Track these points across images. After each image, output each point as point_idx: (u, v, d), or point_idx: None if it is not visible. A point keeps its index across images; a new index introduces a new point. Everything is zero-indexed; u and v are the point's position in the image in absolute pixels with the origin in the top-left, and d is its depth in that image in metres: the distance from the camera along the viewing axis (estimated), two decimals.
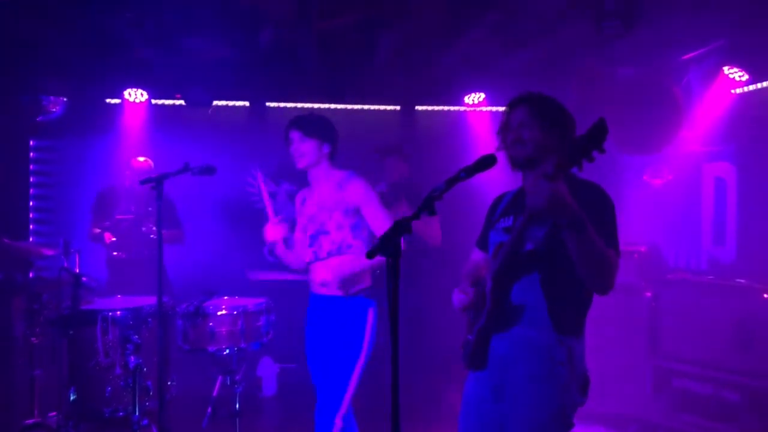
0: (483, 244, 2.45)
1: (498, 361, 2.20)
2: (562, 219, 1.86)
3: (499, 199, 2.47)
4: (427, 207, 1.91)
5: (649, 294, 4.34)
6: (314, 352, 3.07)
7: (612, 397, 4.25)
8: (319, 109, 6.16)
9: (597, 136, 1.76)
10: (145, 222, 4.75)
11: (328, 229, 2.99)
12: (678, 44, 4.79)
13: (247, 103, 6.12)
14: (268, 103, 6.16)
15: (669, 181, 5.22)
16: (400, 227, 1.77)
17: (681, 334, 4.11)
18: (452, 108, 6.37)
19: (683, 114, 4.79)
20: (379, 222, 2.99)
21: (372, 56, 5.29)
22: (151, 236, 4.67)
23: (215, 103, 5.86)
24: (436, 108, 6.43)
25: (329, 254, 2.98)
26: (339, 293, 2.93)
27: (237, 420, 3.21)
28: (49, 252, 3.62)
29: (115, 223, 4.70)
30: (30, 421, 3.16)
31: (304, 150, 3.05)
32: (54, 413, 3.15)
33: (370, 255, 1.72)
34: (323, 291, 3.02)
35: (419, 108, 6.41)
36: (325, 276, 2.98)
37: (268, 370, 5.33)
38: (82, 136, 5.60)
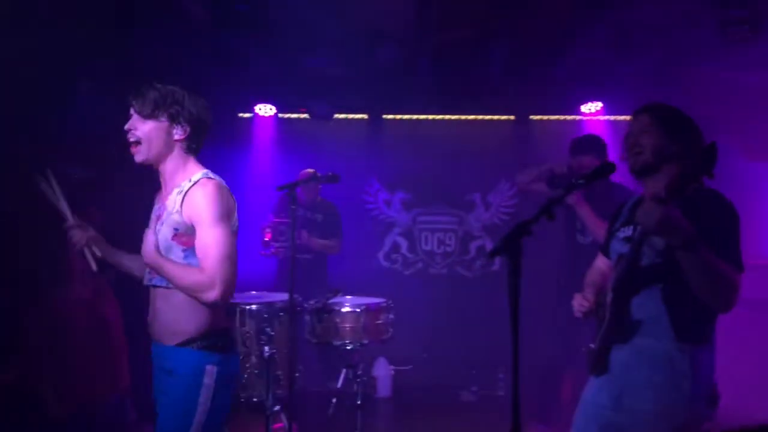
0: (606, 251, 2.48)
1: (618, 370, 2.22)
2: (672, 241, 1.89)
3: (621, 207, 2.47)
4: (547, 211, 2.00)
5: None
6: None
7: (742, 415, 4.06)
8: (434, 120, 6.36)
9: (708, 160, 1.78)
10: (305, 226, 5.05)
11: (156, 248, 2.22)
12: None
13: (365, 116, 6.43)
14: (384, 116, 6.43)
15: None
16: (521, 229, 1.87)
17: None
18: (568, 117, 6.33)
19: None
20: (204, 249, 2.12)
21: (486, 67, 5.40)
22: (297, 240, 4.95)
23: (336, 116, 6.20)
24: (551, 117, 6.42)
25: (153, 283, 2.24)
26: (162, 341, 2.21)
27: (358, 413, 3.41)
28: None
29: (274, 225, 5.04)
30: None
31: (142, 134, 2.20)
32: None
33: (491, 255, 1.83)
34: (151, 334, 2.28)
35: (534, 117, 6.43)
36: (151, 313, 2.27)
37: (383, 371, 5.52)
38: (218, 147, 6.09)
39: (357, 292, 4.01)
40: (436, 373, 5.73)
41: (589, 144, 4.04)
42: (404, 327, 3.82)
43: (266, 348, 3.30)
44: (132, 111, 2.23)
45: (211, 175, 2.25)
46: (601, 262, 2.56)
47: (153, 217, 2.33)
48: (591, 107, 6.06)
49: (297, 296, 3.38)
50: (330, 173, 3.96)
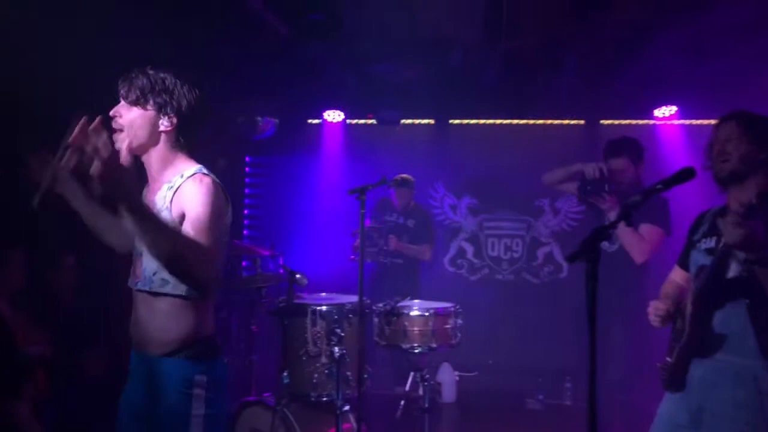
0: (684, 263, 2.41)
1: (697, 386, 2.16)
2: (752, 256, 1.85)
3: (701, 218, 2.40)
4: (624, 217, 1.98)
5: None
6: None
7: None
8: (501, 124, 6.33)
9: None
10: (395, 232, 5.12)
11: (143, 248, 2.03)
12: None
13: (432, 121, 6.46)
14: (451, 121, 6.44)
15: None
16: (600, 233, 1.86)
17: None
18: (640, 122, 6.17)
19: None
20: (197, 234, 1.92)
21: (556, 72, 5.34)
22: (385, 246, 5.04)
23: (403, 121, 6.26)
24: (623, 122, 6.27)
25: (138, 287, 2.10)
26: (147, 350, 2.08)
27: (426, 417, 3.44)
28: (265, 252, 4.16)
29: (366, 230, 5.10)
30: (250, 398, 3.64)
31: (125, 121, 2.05)
32: (269, 393, 3.60)
33: (570, 259, 1.81)
34: (135, 343, 2.15)
35: (604, 122, 6.30)
36: (134, 320, 2.14)
37: (447, 377, 5.52)
38: (288, 153, 6.29)
39: (422, 296, 4.05)
40: (501, 380, 5.68)
41: (623, 146, 3.86)
42: (469, 333, 3.81)
43: (336, 348, 3.36)
44: (120, 100, 2.09)
45: (205, 171, 2.07)
46: (676, 275, 2.50)
47: None
48: (665, 111, 5.90)
49: (366, 299, 3.43)
50: (398, 177, 4.01)
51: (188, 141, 2.11)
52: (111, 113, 2.04)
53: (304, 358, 3.44)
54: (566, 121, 6.38)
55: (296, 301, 3.55)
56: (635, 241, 3.59)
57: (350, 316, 3.50)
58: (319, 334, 3.43)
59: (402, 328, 3.42)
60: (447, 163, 6.30)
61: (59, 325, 3.66)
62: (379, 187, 3.50)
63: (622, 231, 3.55)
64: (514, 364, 5.75)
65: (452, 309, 3.55)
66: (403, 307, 3.48)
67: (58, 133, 1.91)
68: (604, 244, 3.75)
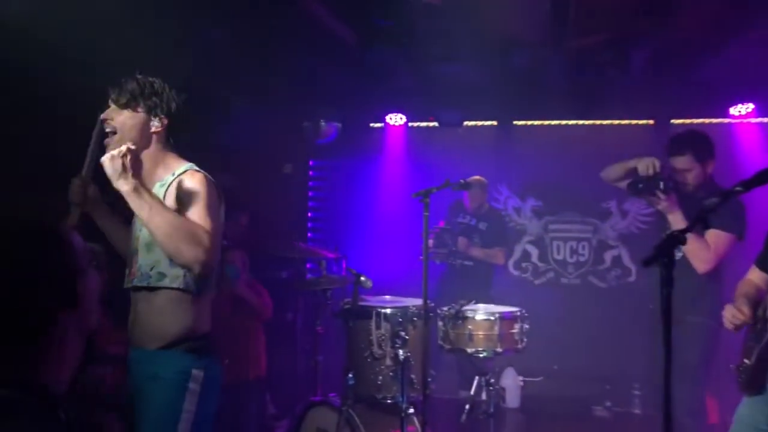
0: (764, 264, 2.33)
1: None
2: None
3: None
4: (701, 220, 1.92)
5: None
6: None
7: None
8: (566, 125, 6.21)
9: None
10: (466, 234, 5.07)
11: (137, 245, 2.15)
12: None
13: (495, 123, 6.40)
14: (515, 122, 6.36)
15: None
16: (675, 238, 1.81)
17: None
18: (714, 120, 5.93)
19: None
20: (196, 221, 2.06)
21: (624, 71, 5.19)
22: (453, 248, 4.97)
23: (465, 123, 6.22)
24: (695, 121, 6.04)
25: (134, 284, 2.14)
26: (144, 345, 2.12)
27: (491, 422, 3.41)
28: (329, 254, 4.22)
29: (437, 232, 5.09)
30: (316, 398, 3.70)
31: (117, 123, 2.15)
32: (334, 394, 3.65)
33: (645, 263, 1.77)
34: (133, 341, 2.18)
35: (675, 121, 6.08)
36: (132, 317, 2.18)
37: (511, 382, 5.45)
38: (350, 157, 6.36)
39: (490, 301, 4.01)
40: (567, 386, 5.56)
41: (687, 142, 3.41)
42: (534, 337, 3.76)
43: (400, 351, 3.38)
44: (110, 101, 2.18)
45: (197, 168, 2.18)
46: (754, 275, 2.41)
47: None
48: (741, 109, 5.64)
49: (431, 302, 3.44)
50: (462, 180, 3.99)
51: (177, 141, 2.22)
52: (102, 117, 2.15)
53: (368, 360, 3.47)
54: (635, 121, 6.19)
55: (361, 303, 3.59)
56: (698, 248, 3.18)
57: (414, 319, 3.51)
58: (383, 337, 3.46)
59: (467, 332, 3.41)
60: (511, 165, 6.22)
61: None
62: (445, 189, 3.50)
63: (680, 225, 3.18)
64: (581, 370, 5.62)
65: (518, 313, 3.51)
66: (468, 310, 3.47)
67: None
68: None
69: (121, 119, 2.13)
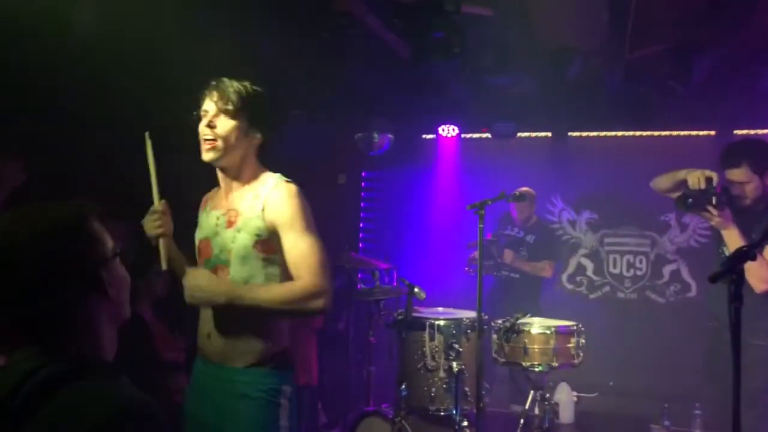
0: None
1: None
2: None
3: None
4: None
5: None
6: None
7: None
8: (623, 136, 6.09)
9: None
10: (512, 246, 5.06)
11: (230, 258, 2.07)
12: None
13: (549, 134, 6.32)
14: (569, 133, 6.27)
15: None
16: (744, 253, 1.76)
17: None
18: None
19: None
20: (300, 256, 2.00)
21: (684, 80, 5.06)
22: (498, 259, 4.95)
23: (519, 134, 6.18)
24: (759, 131, 5.84)
25: None
26: (227, 362, 2.05)
27: None
28: (383, 265, 4.25)
29: (485, 244, 5.07)
30: (369, 409, 3.72)
31: (222, 131, 2.05)
32: (387, 404, 3.66)
33: (713, 279, 1.73)
34: (205, 356, 2.13)
35: (738, 132, 5.89)
36: (209, 332, 2.09)
37: (565, 397, 5.35)
38: (403, 168, 6.39)
39: (541, 314, 3.95)
40: (623, 403, 5.42)
41: (743, 153, 3.14)
42: (589, 353, 3.68)
43: (454, 363, 3.37)
44: (210, 107, 2.07)
45: (286, 178, 2.12)
46: None
47: (208, 222, 2.16)
48: None
49: (484, 314, 3.41)
50: (517, 191, 3.97)
51: (269, 152, 2.15)
52: (206, 124, 2.05)
53: (422, 372, 3.47)
54: (695, 132, 6.02)
55: (414, 314, 3.59)
56: (756, 266, 2.87)
57: (468, 331, 3.50)
58: (436, 348, 3.45)
59: (522, 346, 3.36)
60: (565, 177, 6.13)
61: (190, 331, 3.92)
62: (498, 201, 3.48)
63: (734, 242, 3.01)
64: (638, 387, 5.47)
65: (574, 328, 3.46)
66: (523, 324, 3.43)
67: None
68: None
69: (226, 128, 2.05)
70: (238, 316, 2.00)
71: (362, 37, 4.38)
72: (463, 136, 6.36)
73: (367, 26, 4.22)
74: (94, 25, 3.23)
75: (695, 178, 3.10)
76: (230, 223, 2.07)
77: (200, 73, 2.19)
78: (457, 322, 3.51)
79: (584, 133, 6.24)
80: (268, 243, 2.03)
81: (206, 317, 2.10)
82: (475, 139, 6.46)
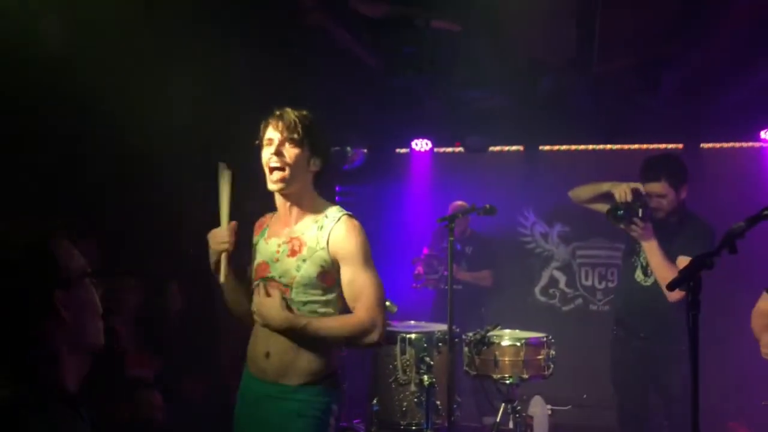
0: None
1: None
2: None
3: None
4: (728, 245, 1.89)
5: None
6: None
7: None
8: (594, 150, 6.18)
9: None
10: (454, 258, 5.12)
11: (292, 283, 2.13)
12: None
13: (521, 147, 6.38)
14: (541, 147, 6.34)
15: None
16: (701, 262, 1.79)
17: None
18: (745, 144, 5.85)
19: None
20: (360, 290, 2.09)
21: (652, 94, 5.16)
22: (445, 272, 5.04)
23: (491, 148, 6.23)
24: (725, 145, 5.97)
25: None
26: (283, 380, 2.12)
27: None
28: None
29: (425, 258, 5.21)
30: (342, 424, 3.68)
31: (290, 160, 2.09)
32: (358, 420, 3.63)
33: (670, 288, 1.76)
34: (260, 373, 2.17)
35: (705, 145, 6.01)
36: (265, 351, 2.15)
37: (539, 410, 5.35)
38: (376, 182, 6.40)
39: (512, 326, 3.96)
40: (596, 415, 5.43)
41: (661, 167, 3.28)
42: (562, 365, 3.70)
43: (425, 377, 3.35)
44: (275, 135, 2.11)
45: (347, 212, 2.21)
46: (766, 304, 2.37)
47: (267, 249, 2.20)
48: None
49: (455, 327, 3.41)
50: (487, 205, 3.99)
51: (322, 180, 2.22)
52: (273, 152, 2.09)
53: (393, 386, 3.45)
54: (663, 145, 6.12)
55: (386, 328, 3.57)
56: (670, 275, 2.93)
57: (439, 344, 3.49)
58: (408, 362, 3.44)
59: (492, 358, 3.37)
60: (537, 190, 6.18)
61: (165, 349, 3.87)
62: (468, 214, 3.50)
63: (656, 263, 3.13)
64: (611, 399, 5.49)
65: (545, 340, 3.47)
66: (494, 336, 3.43)
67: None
68: (638, 277, 3.40)
69: (293, 155, 2.09)
70: (297, 338, 2.08)
71: (334, 53, 4.40)
72: (436, 150, 6.39)
73: (339, 41, 4.24)
74: (61, 38, 3.20)
75: (622, 191, 3.22)
76: (293, 252, 2.13)
77: (174, 88, 2.19)
78: (429, 335, 3.50)
79: (555, 147, 6.31)
80: (330, 274, 2.12)
81: (263, 336, 2.14)
82: (448, 153, 6.50)
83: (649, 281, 3.27)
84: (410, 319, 4.02)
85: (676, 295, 3.01)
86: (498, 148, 6.39)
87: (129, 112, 3.51)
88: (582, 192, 3.64)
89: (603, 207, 3.40)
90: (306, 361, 2.09)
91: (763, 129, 5.58)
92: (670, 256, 3.13)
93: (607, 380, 5.58)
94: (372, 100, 5.54)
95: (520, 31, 4.19)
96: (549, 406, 5.29)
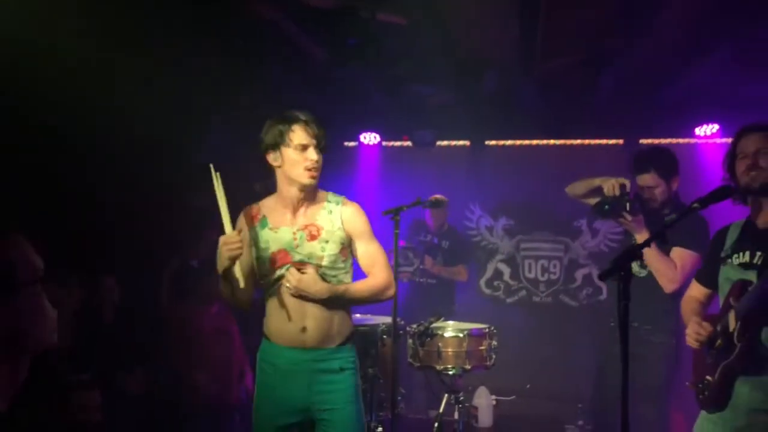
0: (707, 279, 2.38)
1: (743, 406, 2.12)
2: None
3: (724, 232, 2.39)
4: (660, 236, 1.96)
5: None
6: None
7: None
8: (538, 145, 6.30)
9: None
10: (429, 252, 5.18)
11: (321, 262, 2.51)
12: None
13: (467, 142, 6.46)
14: (487, 142, 6.43)
15: None
16: (631, 253, 1.84)
17: None
18: (681, 140, 6.06)
19: None
20: (373, 257, 2.61)
21: (593, 91, 5.30)
22: (420, 266, 5.11)
23: (438, 143, 6.28)
24: (663, 141, 6.17)
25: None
26: (324, 345, 2.52)
27: None
28: None
29: (401, 250, 5.12)
30: None
31: (320, 164, 2.54)
32: None
33: (602, 277, 1.81)
34: (298, 344, 2.51)
35: (644, 141, 6.21)
36: (303, 323, 2.49)
37: (484, 401, 5.43)
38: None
39: (457, 318, 4.01)
40: (539, 405, 5.56)
41: (650, 160, 3.37)
42: (506, 356, 3.76)
43: (369, 369, 3.36)
44: (309, 140, 2.49)
45: (343, 196, 2.66)
46: (696, 291, 2.47)
47: (278, 237, 2.49)
48: (706, 130, 5.78)
49: (400, 320, 3.43)
50: (432, 197, 4.02)
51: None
52: (316, 158, 2.48)
53: None
54: (604, 141, 6.30)
55: None
56: (664, 267, 3.16)
57: (384, 336, 3.50)
58: None
59: (436, 349, 3.40)
60: (483, 184, 6.27)
61: (101, 344, 3.76)
62: (413, 208, 3.52)
63: (651, 255, 3.18)
64: (553, 388, 5.63)
65: (487, 330, 3.52)
66: (437, 328, 3.47)
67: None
68: (633, 268, 3.38)
69: (320, 159, 2.52)
70: (328, 309, 2.49)
71: (280, 43, 4.35)
72: (384, 143, 6.40)
73: (284, 32, 4.19)
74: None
75: (610, 186, 3.28)
76: (312, 237, 2.50)
77: (120, 81, 2.14)
78: (373, 327, 3.51)
79: (501, 142, 6.41)
80: (346, 248, 2.57)
81: (297, 315, 2.48)
82: (396, 146, 6.52)
83: (644, 272, 3.32)
84: (360, 312, 4.01)
85: (672, 286, 3.16)
86: (445, 142, 6.44)
87: (63, 105, 3.39)
88: (576, 188, 3.71)
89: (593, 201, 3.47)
90: (338, 326, 2.53)
91: (697, 126, 5.80)
92: (664, 248, 3.18)
93: (550, 370, 5.76)
94: (321, 93, 5.50)
95: (464, 27, 4.23)
96: (493, 397, 5.38)
